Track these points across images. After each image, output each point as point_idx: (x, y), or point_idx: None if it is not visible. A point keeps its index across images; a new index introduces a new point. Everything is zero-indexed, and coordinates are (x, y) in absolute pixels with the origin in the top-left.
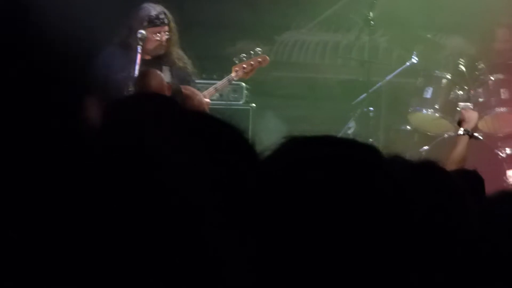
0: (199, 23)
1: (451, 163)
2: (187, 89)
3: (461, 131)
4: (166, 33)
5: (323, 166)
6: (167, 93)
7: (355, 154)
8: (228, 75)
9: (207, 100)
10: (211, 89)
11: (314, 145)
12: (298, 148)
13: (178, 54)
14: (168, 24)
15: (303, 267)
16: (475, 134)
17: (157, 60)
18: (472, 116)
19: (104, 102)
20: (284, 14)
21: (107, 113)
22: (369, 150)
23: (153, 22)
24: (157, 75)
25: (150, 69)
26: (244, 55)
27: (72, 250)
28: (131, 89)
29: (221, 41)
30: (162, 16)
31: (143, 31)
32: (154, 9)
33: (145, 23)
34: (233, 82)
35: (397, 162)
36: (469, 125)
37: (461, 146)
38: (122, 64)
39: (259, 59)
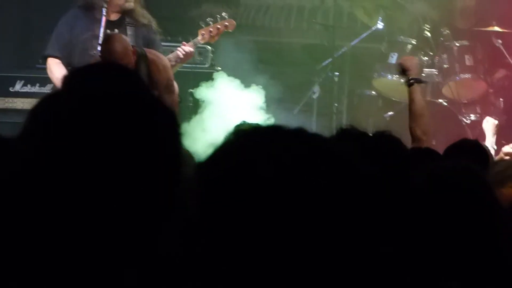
0: None
1: (414, 118)
2: (152, 53)
3: (409, 80)
4: None
5: (273, 164)
6: (132, 58)
7: (303, 147)
8: (194, 38)
9: (172, 63)
10: (176, 52)
11: (262, 140)
12: (246, 144)
13: (142, 12)
14: None
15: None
16: (422, 79)
17: (121, 20)
18: (414, 62)
19: (70, 62)
20: None
21: (67, 81)
22: (316, 140)
23: None
24: (122, 40)
25: (115, 33)
26: (210, 19)
27: None
28: (96, 50)
29: (186, 3)
30: None
31: None
32: None
33: None
34: (199, 45)
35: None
36: (414, 72)
37: (417, 96)
38: (86, 24)
39: (226, 23)
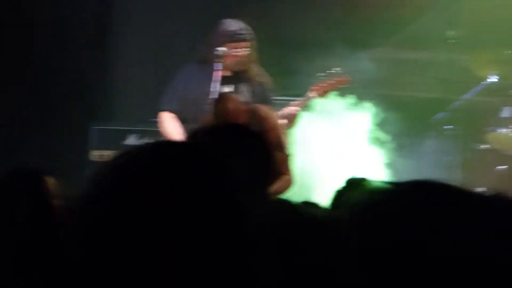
0: (280, 40)
1: None
2: (263, 111)
3: None
4: (246, 49)
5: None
6: (244, 117)
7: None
8: (306, 93)
9: (284, 121)
10: (283, 110)
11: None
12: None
13: (258, 70)
14: (248, 40)
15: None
16: None
17: (236, 76)
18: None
19: (184, 117)
20: (362, 31)
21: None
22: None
23: (233, 38)
24: (234, 100)
25: (228, 93)
26: (322, 74)
27: None
28: (209, 106)
29: (300, 58)
30: (242, 31)
31: (222, 48)
32: (234, 25)
33: (225, 38)
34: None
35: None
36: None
37: None
38: (201, 80)
39: (339, 79)
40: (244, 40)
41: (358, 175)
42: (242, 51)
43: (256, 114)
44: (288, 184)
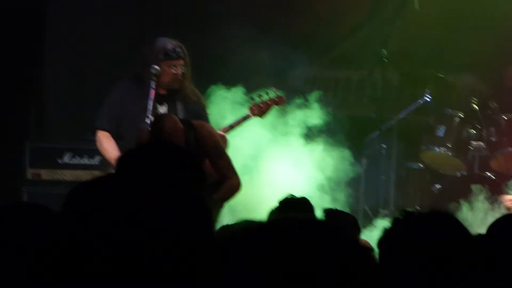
0: (212, 58)
1: None
2: (197, 122)
3: None
4: (182, 67)
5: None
6: (182, 137)
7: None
8: (244, 113)
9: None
10: (226, 126)
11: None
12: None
13: (192, 89)
14: (184, 58)
15: None
16: None
17: (171, 94)
18: None
19: (120, 134)
20: (296, 50)
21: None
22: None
23: (169, 55)
24: (172, 120)
25: (166, 113)
26: (259, 94)
27: None
28: (145, 123)
29: (235, 76)
30: (178, 49)
31: (156, 67)
32: (170, 43)
33: (161, 56)
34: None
35: None
36: None
37: None
38: (136, 98)
39: (276, 99)
40: (180, 58)
41: (291, 196)
42: (178, 69)
43: (191, 126)
44: (234, 188)
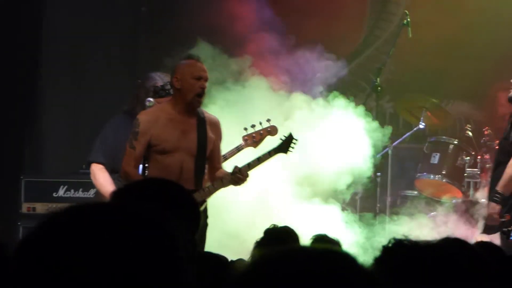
0: None
1: None
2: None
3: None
4: None
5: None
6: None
7: None
8: (237, 144)
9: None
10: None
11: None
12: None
13: None
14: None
15: None
16: None
17: None
18: None
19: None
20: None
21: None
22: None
23: (159, 93)
24: None
25: None
26: (253, 124)
27: None
28: None
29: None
30: (167, 87)
31: (151, 99)
32: (161, 80)
33: (151, 94)
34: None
35: None
36: None
37: None
38: (129, 131)
39: (269, 129)
40: (170, 94)
41: (273, 226)
42: None
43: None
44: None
